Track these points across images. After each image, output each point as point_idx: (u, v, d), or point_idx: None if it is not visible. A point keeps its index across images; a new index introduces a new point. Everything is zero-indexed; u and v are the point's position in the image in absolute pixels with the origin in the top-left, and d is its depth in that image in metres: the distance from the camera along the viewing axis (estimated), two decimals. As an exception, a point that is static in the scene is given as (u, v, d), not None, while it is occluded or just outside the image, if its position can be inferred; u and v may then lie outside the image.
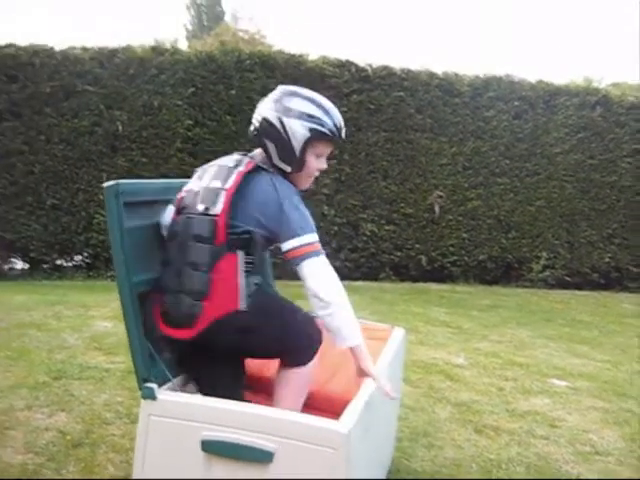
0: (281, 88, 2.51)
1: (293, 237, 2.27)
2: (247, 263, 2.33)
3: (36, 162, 8.53)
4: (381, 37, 57.21)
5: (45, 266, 8.88)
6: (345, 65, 9.26)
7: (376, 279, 9.57)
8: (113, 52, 8.67)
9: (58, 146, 8.56)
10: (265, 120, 2.39)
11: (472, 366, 5.26)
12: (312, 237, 2.30)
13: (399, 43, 54.69)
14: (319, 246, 2.30)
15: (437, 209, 9.70)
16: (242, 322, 2.30)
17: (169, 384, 2.35)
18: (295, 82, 9.76)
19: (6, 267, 9.01)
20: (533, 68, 44.35)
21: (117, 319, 5.69)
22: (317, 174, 2.51)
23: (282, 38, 44.71)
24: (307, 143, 2.37)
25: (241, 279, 2.29)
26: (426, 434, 3.75)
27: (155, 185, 2.75)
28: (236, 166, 2.38)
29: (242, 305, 2.29)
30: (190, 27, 37.19)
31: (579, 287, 10.21)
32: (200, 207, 2.31)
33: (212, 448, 2.11)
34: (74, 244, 8.84)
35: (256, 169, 2.37)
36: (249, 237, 2.31)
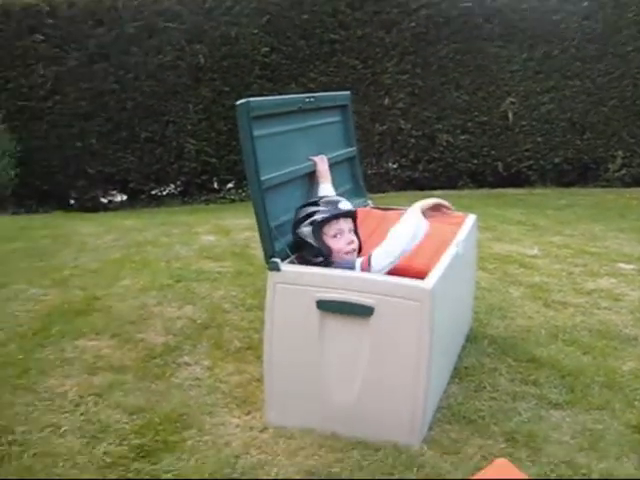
0: None
1: None
2: None
3: (127, 99, 9.06)
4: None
5: (143, 196, 9.55)
6: (412, -20, 9.44)
7: (454, 187, 9.85)
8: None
9: (146, 82, 9.06)
10: None
11: (545, 256, 5.67)
12: None
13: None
14: None
15: (510, 115, 9.87)
16: None
17: (289, 259, 2.91)
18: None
19: (105, 200, 9.69)
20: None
21: (219, 234, 6.32)
22: (351, 247, 2.97)
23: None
24: (313, 234, 2.90)
25: None
26: (500, 308, 4.25)
27: (277, 101, 3.31)
28: None
29: None
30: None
31: (657, 184, 10.26)
32: None
33: (325, 306, 2.67)
34: (168, 173, 9.45)
35: None
36: None
